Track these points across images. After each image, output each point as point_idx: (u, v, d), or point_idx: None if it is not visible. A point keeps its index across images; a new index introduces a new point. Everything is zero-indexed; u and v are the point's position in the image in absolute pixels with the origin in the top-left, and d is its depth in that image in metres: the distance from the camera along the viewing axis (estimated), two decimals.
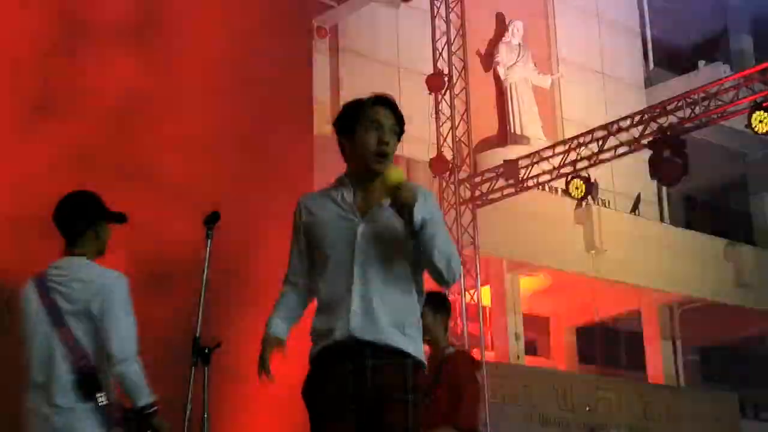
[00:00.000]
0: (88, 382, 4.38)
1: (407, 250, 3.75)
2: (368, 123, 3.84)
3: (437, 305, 5.74)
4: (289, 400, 10.65)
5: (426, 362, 3.82)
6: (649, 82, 20.83)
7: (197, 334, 4.62)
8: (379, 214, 3.80)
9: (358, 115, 3.87)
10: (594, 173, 14.50)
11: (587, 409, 16.17)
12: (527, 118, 18.36)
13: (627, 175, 17.95)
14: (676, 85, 18.06)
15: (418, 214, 3.69)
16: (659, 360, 19.76)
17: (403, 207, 3.67)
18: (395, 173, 3.75)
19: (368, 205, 3.82)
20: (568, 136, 15.58)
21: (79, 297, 4.44)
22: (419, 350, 3.76)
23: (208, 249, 4.75)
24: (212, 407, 4.71)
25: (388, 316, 3.69)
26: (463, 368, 5.82)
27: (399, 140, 3.92)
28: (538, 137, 17.92)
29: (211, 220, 4.82)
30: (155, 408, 4.48)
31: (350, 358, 3.67)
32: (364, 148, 3.83)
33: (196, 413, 4.65)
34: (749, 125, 12.35)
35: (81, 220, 4.60)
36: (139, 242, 9.97)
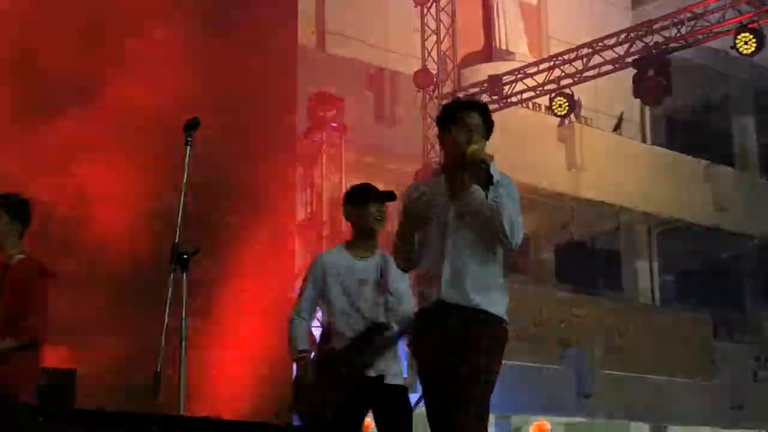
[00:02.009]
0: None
1: (490, 228, 4.40)
2: (461, 125, 4.49)
3: (16, 214, 5.56)
4: (268, 306, 10.72)
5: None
6: (636, 1, 20.69)
7: (176, 240, 4.63)
8: (467, 198, 4.47)
9: (454, 117, 4.53)
10: (577, 91, 14.47)
11: (562, 325, 16.37)
12: (513, 35, 18.26)
13: (610, 93, 17.93)
14: (663, 5, 17.93)
15: (495, 173, 4.34)
16: (635, 279, 19.96)
17: (481, 163, 4.31)
18: (472, 147, 4.39)
19: (458, 190, 4.50)
20: (553, 53, 15.51)
21: None
22: (500, 310, 4.49)
23: (187, 154, 4.75)
24: (190, 313, 4.75)
25: (477, 283, 4.42)
26: (30, 276, 5.47)
27: (488, 140, 4.57)
28: (523, 54, 17.83)
29: (191, 126, 4.80)
30: None
31: (442, 317, 4.41)
32: (455, 146, 4.47)
33: (175, 319, 4.70)
34: (734, 46, 12.33)
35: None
36: (122, 152, 9.97)
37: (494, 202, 4.35)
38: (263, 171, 11.14)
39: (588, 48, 13.88)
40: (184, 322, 4.65)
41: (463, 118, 4.51)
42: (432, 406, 4.44)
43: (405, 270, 4.71)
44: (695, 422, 18.28)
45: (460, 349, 4.35)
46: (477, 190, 4.42)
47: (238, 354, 10.62)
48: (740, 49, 12.30)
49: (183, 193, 4.74)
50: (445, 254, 4.42)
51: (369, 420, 13.52)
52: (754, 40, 12.18)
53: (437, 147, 14.44)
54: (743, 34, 12.24)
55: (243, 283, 10.83)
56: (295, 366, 5.44)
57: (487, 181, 4.31)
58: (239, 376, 10.52)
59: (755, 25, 12.27)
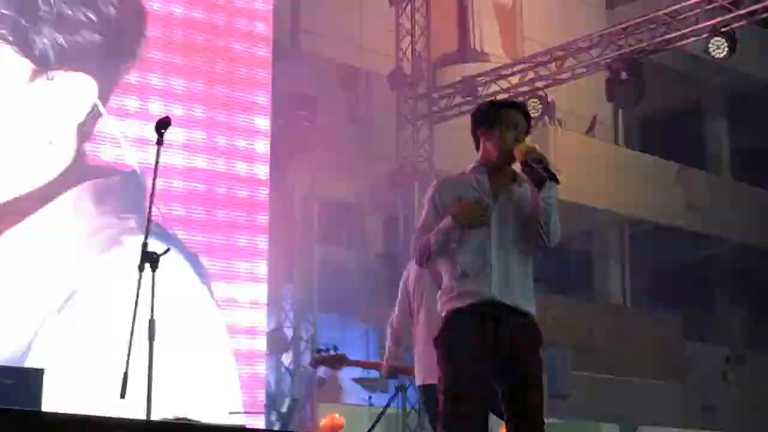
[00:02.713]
0: None
1: (530, 227, 4.51)
2: (507, 124, 4.57)
3: None
4: (238, 304, 10.64)
5: None
6: (611, 3, 20.76)
7: (145, 239, 4.62)
8: (511, 197, 4.54)
9: (499, 116, 4.60)
10: (551, 93, 14.50)
11: None
12: (488, 36, 18.27)
13: (584, 96, 17.97)
14: (638, 7, 17.99)
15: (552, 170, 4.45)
16: (607, 280, 20.04)
17: (540, 161, 4.44)
18: (524, 145, 4.52)
19: (501, 189, 4.54)
20: (528, 54, 15.53)
21: None
22: (534, 311, 4.56)
23: (158, 153, 4.73)
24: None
25: (519, 283, 4.49)
26: None
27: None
28: (497, 55, 17.85)
29: (162, 125, 4.78)
30: None
31: (490, 316, 4.40)
32: (503, 144, 4.55)
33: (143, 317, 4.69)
34: (707, 51, 12.38)
35: None
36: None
37: (545, 202, 4.46)
38: (234, 168, 11.11)
39: (562, 50, 13.90)
40: (152, 321, 4.64)
41: (510, 117, 4.61)
42: (471, 405, 4.32)
43: (423, 265, 4.67)
44: (666, 423, 18.38)
45: (519, 355, 4.41)
46: (518, 189, 4.56)
47: (208, 354, 10.59)
48: (713, 53, 12.34)
49: (152, 191, 4.72)
50: (491, 253, 4.44)
51: (340, 417, 13.42)
52: (726, 44, 12.22)
53: (410, 147, 14.45)
54: (716, 38, 12.28)
55: (213, 281, 10.80)
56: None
57: (544, 179, 4.44)
58: (210, 376, 10.48)
59: (728, 29, 12.32)
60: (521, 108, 4.71)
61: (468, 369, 4.35)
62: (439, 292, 4.57)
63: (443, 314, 4.51)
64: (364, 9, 16.47)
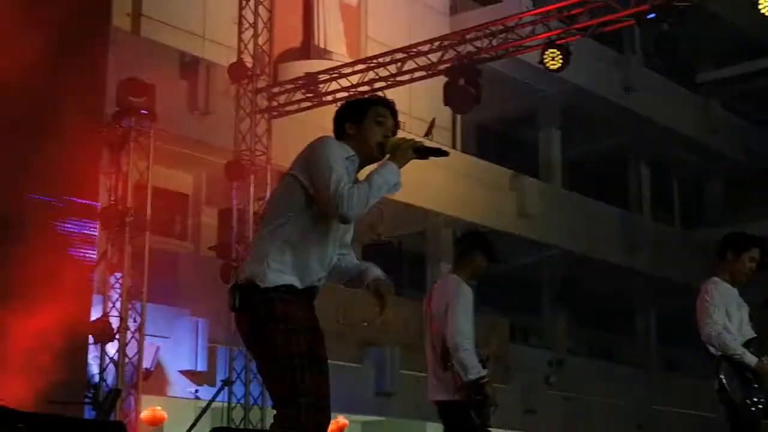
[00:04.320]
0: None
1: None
2: (376, 119, 4.60)
3: None
4: (66, 287, 10.51)
5: None
6: (454, 9, 21.11)
7: None
8: None
9: (368, 111, 4.63)
10: (391, 95, 14.59)
11: (364, 324, 16.53)
12: (332, 34, 18.34)
13: (424, 99, 18.22)
14: (479, 15, 18.36)
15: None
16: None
17: (424, 148, 4.57)
18: (394, 139, 4.61)
19: None
20: (371, 55, 15.65)
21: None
22: None
23: None
24: None
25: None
26: None
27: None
28: (341, 53, 17.94)
29: None
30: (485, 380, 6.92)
31: (312, 300, 4.55)
32: (369, 139, 4.59)
33: None
34: (542, 61, 12.72)
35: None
36: None
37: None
38: (67, 152, 10.87)
39: (402, 53, 14.06)
40: None
41: (380, 113, 4.61)
42: (304, 376, 4.36)
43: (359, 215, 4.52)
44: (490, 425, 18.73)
45: (320, 336, 4.55)
46: None
47: (33, 340, 10.37)
48: (547, 65, 12.69)
49: None
50: (333, 245, 4.60)
51: (161, 410, 13.26)
52: (560, 57, 12.59)
53: (248, 140, 14.40)
54: (551, 50, 12.63)
55: (42, 264, 10.56)
56: None
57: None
58: (37, 360, 10.27)
59: (563, 42, 12.68)
60: (390, 106, 4.69)
61: (304, 344, 4.39)
62: (266, 254, 4.42)
63: (272, 282, 4.39)
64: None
